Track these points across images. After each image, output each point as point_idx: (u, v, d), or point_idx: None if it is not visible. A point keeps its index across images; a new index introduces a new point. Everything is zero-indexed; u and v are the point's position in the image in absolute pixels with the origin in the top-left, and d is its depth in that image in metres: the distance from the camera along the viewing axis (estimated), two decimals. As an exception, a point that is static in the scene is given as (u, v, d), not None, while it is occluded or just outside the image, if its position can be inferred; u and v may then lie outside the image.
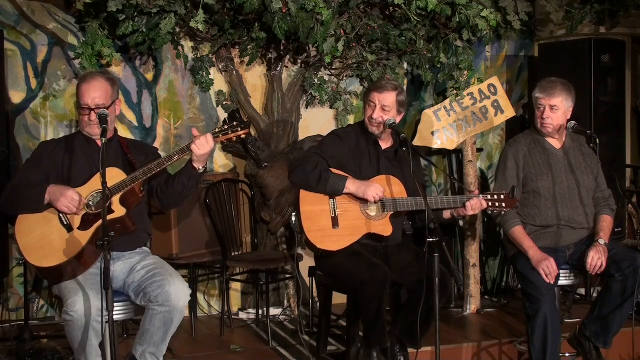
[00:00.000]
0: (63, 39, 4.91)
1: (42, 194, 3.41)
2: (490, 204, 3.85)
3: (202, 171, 3.54)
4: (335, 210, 3.86)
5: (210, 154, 3.53)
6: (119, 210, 3.44)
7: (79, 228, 3.42)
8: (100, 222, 3.23)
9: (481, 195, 3.85)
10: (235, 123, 3.52)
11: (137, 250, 3.63)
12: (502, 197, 3.84)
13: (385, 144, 4.03)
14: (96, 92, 3.49)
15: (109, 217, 3.33)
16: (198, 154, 3.46)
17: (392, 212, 3.88)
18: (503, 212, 3.91)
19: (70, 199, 3.38)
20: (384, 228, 3.88)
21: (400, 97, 3.95)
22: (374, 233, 3.87)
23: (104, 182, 3.15)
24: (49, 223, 3.43)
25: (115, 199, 3.44)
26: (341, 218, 3.86)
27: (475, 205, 3.82)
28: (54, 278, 3.46)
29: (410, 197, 3.87)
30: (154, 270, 3.45)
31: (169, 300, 3.34)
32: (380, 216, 3.88)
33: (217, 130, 3.53)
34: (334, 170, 3.88)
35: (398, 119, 3.99)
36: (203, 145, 3.45)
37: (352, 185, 3.82)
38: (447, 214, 3.94)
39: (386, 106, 3.91)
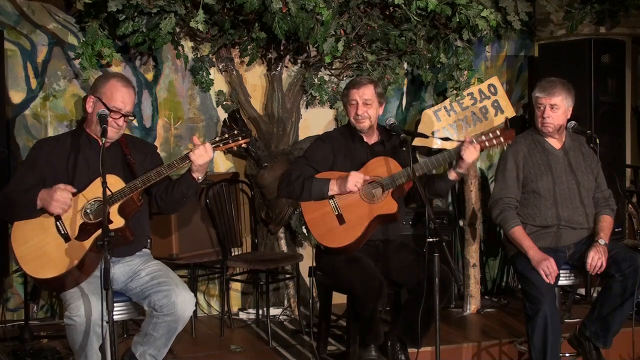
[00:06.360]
0: (63, 39, 4.91)
1: (33, 200, 3.33)
2: (487, 143, 3.78)
3: (201, 180, 3.47)
4: (337, 208, 3.87)
5: (209, 163, 3.45)
6: (117, 221, 3.35)
7: (76, 238, 3.35)
8: (99, 231, 3.17)
9: (473, 138, 3.78)
10: (235, 132, 3.40)
11: (137, 254, 3.59)
12: (498, 132, 3.79)
13: (370, 139, 4.07)
14: (130, 99, 3.45)
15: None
16: (197, 163, 3.38)
17: (393, 189, 3.87)
18: (505, 147, 3.83)
19: (62, 201, 3.30)
20: (389, 206, 3.86)
21: (378, 88, 4.02)
22: (382, 214, 3.86)
23: (104, 183, 3.11)
24: (46, 232, 3.36)
25: (114, 209, 3.35)
26: (345, 213, 3.87)
27: (472, 151, 3.74)
28: (55, 288, 3.42)
29: (404, 169, 3.83)
30: (159, 278, 3.40)
31: (174, 311, 3.31)
32: (382, 197, 3.88)
33: (217, 139, 3.42)
34: (319, 176, 3.90)
35: (380, 111, 4.03)
36: (202, 155, 3.37)
37: (335, 186, 3.85)
38: (452, 175, 3.90)
39: (367, 99, 3.95)
